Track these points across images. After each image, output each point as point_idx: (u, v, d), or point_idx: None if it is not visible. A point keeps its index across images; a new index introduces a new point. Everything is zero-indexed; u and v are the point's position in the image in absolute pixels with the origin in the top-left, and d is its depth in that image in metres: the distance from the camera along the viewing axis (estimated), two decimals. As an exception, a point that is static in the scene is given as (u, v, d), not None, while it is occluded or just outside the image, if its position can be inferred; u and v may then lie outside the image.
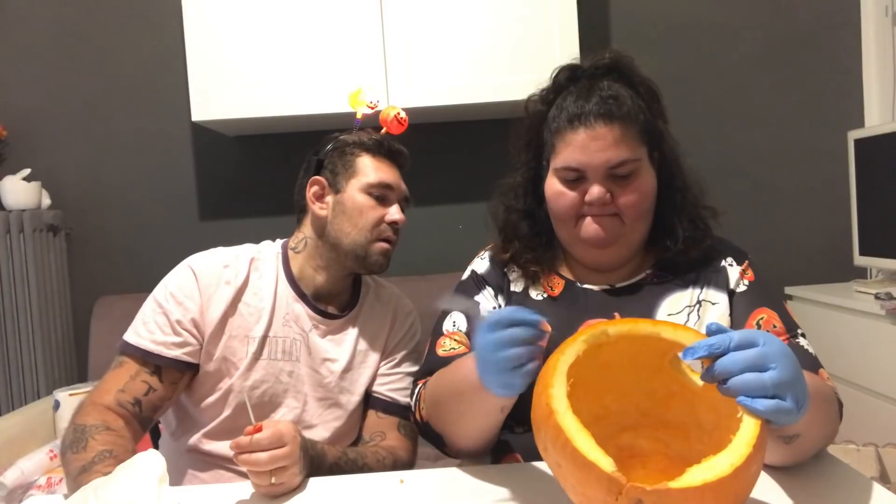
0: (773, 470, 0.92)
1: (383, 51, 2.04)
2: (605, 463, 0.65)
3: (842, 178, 2.26)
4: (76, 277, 2.36)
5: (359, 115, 1.33)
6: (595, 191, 1.01)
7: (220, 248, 1.28)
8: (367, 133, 1.29)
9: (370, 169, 1.25)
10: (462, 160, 2.40)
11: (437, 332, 1.15)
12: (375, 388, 1.30)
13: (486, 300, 1.15)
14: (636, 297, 1.08)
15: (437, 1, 2.05)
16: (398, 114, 1.31)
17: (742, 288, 1.08)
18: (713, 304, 1.06)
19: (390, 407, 1.28)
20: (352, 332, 1.29)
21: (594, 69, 1.08)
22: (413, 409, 1.11)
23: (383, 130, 1.30)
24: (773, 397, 0.70)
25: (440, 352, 1.12)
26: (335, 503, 0.93)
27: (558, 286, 1.12)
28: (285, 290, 1.25)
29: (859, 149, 2.12)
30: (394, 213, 1.25)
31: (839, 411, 0.98)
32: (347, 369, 1.27)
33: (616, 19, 2.40)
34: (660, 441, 0.82)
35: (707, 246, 1.09)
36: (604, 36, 2.40)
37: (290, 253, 1.29)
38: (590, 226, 1.03)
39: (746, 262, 1.11)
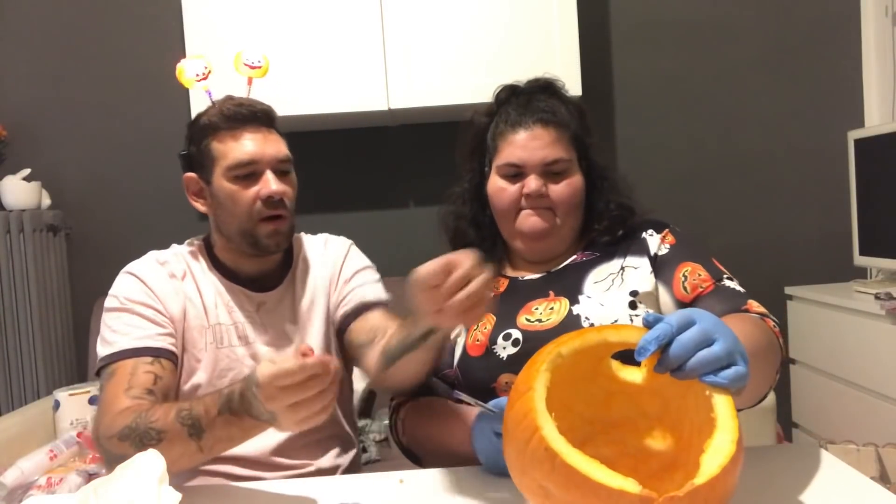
0: (772, 470, 0.92)
1: (383, 51, 2.04)
2: (630, 485, 0.65)
3: (842, 178, 2.26)
4: (76, 277, 2.36)
5: (205, 89, 1.21)
6: (532, 183, 1.13)
7: (152, 252, 1.23)
8: (218, 107, 1.16)
9: (224, 150, 1.14)
10: (462, 160, 2.40)
11: None
12: (340, 310, 1.23)
13: None
14: (567, 274, 1.17)
15: (437, 1, 2.05)
16: (246, 60, 1.22)
17: (664, 251, 1.16)
18: (635, 268, 1.14)
19: (363, 307, 1.22)
20: (295, 290, 1.24)
21: (532, 87, 1.22)
22: (391, 428, 1.19)
23: (248, 81, 1.23)
24: (727, 366, 0.73)
25: None
26: (335, 503, 0.93)
27: (503, 285, 1.20)
28: (218, 279, 1.21)
29: (859, 149, 2.12)
30: (265, 187, 1.13)
31: (779, 341, 1.02)
32: (311, 322, 1.23)
33: (616, 19, 2.40)
34: (617, 443, 0.83)
35: (629, 224, 1.19)
36: (604, 36, 2.40)
37: (212, 247, 1.24)
38: (528, 218, 1.15)
39: (667, 230, 1.19)
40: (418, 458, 1.15)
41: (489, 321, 1.14)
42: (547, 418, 0.70)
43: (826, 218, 2.41)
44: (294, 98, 2.01)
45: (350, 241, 1.33)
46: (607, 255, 1.17)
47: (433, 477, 0.99)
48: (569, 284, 1.14)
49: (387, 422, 1.93)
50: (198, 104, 2.02)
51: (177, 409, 0.95)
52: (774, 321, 1.05)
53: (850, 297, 2.04)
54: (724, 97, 2.41)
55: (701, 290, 1.09)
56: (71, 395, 1.96)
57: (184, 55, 2.03)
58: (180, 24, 2.05)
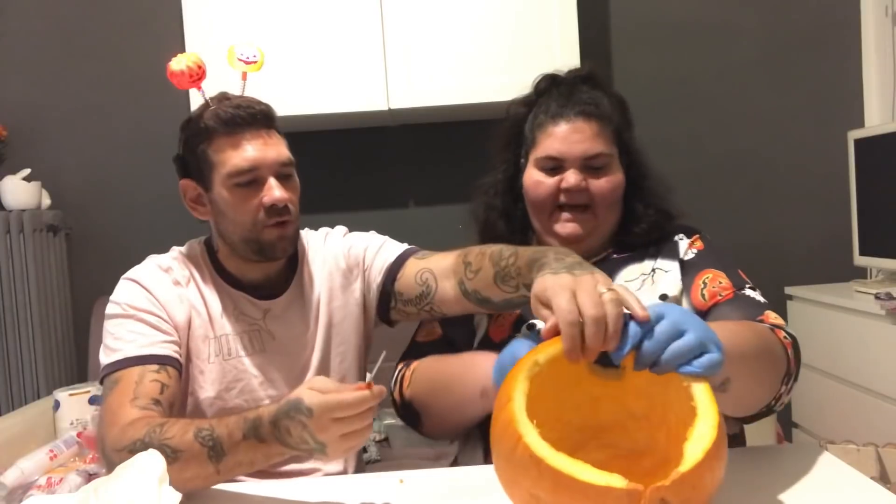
0: (772, 470, 0.92)
1: (383, 51, 2.04)
2: (616, 480, 0.65)
3: (842, 178, 2.25)
4: (76, 277, 2.36)
5: (198, 87, 1.14)
6: (571, 177, 1.10)
7: (152, 256, 1.20)
8: (213, 108, 1.10)
9: (223, 157, 1.08)
10: (462, 160, 2.39)
11: (419, 323, 1.23)
12: (373, 290, 1.20)
13: None
14: None
15: (437, 1, 2.05)
16: (240, 54, 1.14)
17: (690, 256, 1.15)
18: (665, 271, 1.14)
19: (394, 268, 1.18)
20: (303, 293, 1.20)
21: (573, 77, 1.18)
22: (392, 388, 1.15)
23: (243, 76, 1.16)
24: (700, 355, 0.73)
25: (419, 338, 1.21)
26: (335, 503, 0.93)
27: None
28: (221, 286, 1.17)
29: (859, 149, 2.12)
30: (268, 194, 1.08)
31: (788, 352, 0.97)
32: (329, 324, 1.20)
33: (616, 19, 2.40)
34: (608, 446, 0.83)
35: (666, 230, 1.18)
36: (604, 36, 2.40)
37: (215, 252, 1.20)
38: (567, 224, 1.12)
39: (697, 235, 1.19)
40: (418, 415, 1.10)
41: None
42: (528, 426, 0.71)
43: (826, 218, 2.41)
44: (293, 98, 2.01)
45: (345, 229, 1.29)
46: (639, 255, 1.16)
47: (433, 477, 0.99)
48: None
49: (387, 421, 1.95)
50: (198, 104, 2.01)
51: (195, 429, 0.91)
52: (788, 333, 1.01)
53: (850, 297, 2.04)
54: (724, 97, 2.41)
55: (720, 297, 1.07)
56: (71, 395, 1.96)
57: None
58: (180, 24, 2.05)
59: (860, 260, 2.16)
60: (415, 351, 1.19)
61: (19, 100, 2.34)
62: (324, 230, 1.29)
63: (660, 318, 0.74)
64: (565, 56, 2.04)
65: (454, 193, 2.39)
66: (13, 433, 1.82)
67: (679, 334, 0.73)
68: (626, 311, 0.76)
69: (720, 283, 1.09)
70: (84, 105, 2.36)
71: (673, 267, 1.14)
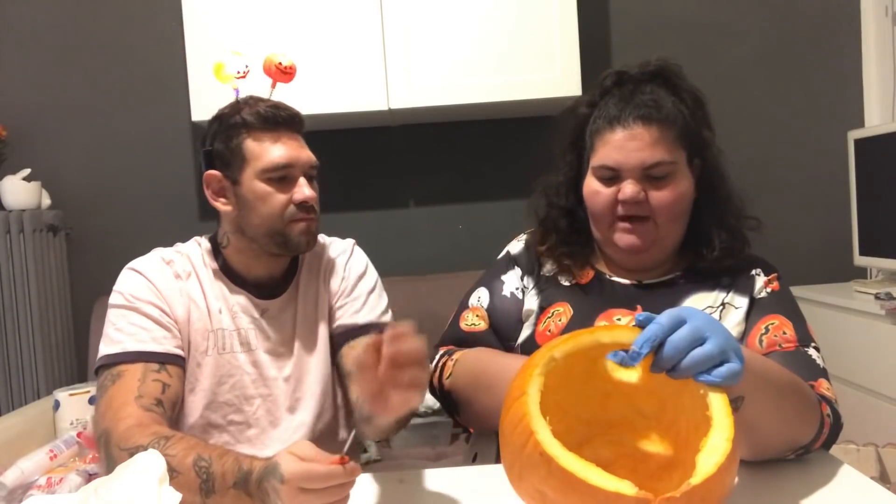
0: (772, 470, 0.92)
1: (383, 51, 2.04)
2: (626, 487, 0.65)
3: (842, 178, 2.26)
4: (76, 277, 2.35)
5: (234, 87, 1.21)
6: (628, 189, 1.02)
7: (157, 249, 1.22)
8: (250, 105, 1.15)
9: (260, 151, 1.13)
10: (462, 160, 2.40)
11: (463, 305, 1.21)
12: (336, 323, 1.23)
13: (511, 280, 1.18)
14: (661, 292, 1.09)
15: (437, 2, 2.05)
16: (279, 63, 1.21)
17: (763, 295, 1.08)
18: (736, 308, 1.07)
19: (356, 331, 1.21)
20: (297, 298, 1.23)
21: (640, 74, 1.10)
22: (434, 369, 1.14)
23: (273, 84, 1.21)
24: (720, 364, 0.72)
25: (463, 325, 1.18)
26: (335, 503, 0.93)
27: (587, 276, 1.13)
28: (223, 283, 1.20)
29: (859, 149, 2.12)
30: (299, 192, 1.14)
31: (824, 429, 0.92)
32: (305, 334, 1.22)
33: (616, 19, 2.40)
34: (614, 443, 0.83)
35: (741, 257, 1.10)
36: (604, 36, 2.40)
37: (220, 248, 1.22)
38: (625, 235, 1.05)
39: (775, 274, 1.12)
40: (456, 405, 1.09)
41: (566, 313, 1.09)
42: (541, 423, 0.70)
43: (826, 218, 2.41)
44: (293, 98, 2.00)
45: (352, 242, 1.32)
46: (709, 284, 1.08)
47: (433, 477, 0.99)
48: (660, 304, 0.98)
49: (387, 422, 1.94)
50: (198, 104, 2.02)
51: (196, 455, 0.92)
52: (833, 411, 0.94)
53: (850, 297, 2.04)
54: (724, 97, 2.41)
55: (779, 348, 1.01)
56: (71, 395, 1.96)
57: (184, 55, 2.04)
58: (180, 25, 2.05)
59: (860, 260, 2.16)
60: (458, 338, 1.16)
61: (19, 100, 2.34)
62: (331, 239, 1.31)
63: (681, 323, 0.72)
64: (565, 56, 2.05)
65: (454, 193, 2.40)
66: (13, 433, 1.82)
67: (700, 341, 0.72)
68: (646, 311, 0.75)
69: (784, 333, 1.03)
70: (84, 105, 2.36)
71: (744, 304, 1.07)
